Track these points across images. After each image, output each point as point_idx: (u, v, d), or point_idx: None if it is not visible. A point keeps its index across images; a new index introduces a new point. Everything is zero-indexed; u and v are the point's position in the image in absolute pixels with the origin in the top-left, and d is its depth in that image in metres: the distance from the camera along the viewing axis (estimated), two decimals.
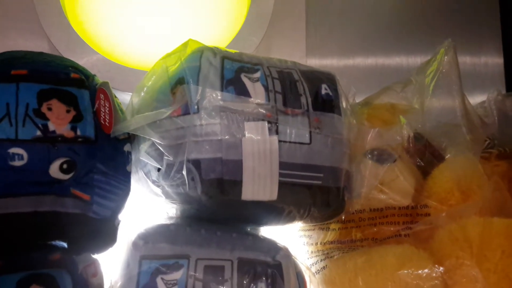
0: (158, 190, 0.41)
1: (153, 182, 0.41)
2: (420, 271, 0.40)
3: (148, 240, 0.40)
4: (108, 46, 0.61)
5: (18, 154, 0.35)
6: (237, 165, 0.39)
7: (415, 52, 0.72)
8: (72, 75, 0.38)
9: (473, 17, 0.75)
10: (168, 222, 0.43)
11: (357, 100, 0.50)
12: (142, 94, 0.42)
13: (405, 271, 0.41)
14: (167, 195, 0.41)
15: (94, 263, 0.42)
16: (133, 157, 0.42)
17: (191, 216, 0.44)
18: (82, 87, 0.38)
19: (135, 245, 0.40)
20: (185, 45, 0.42)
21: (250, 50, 0.60)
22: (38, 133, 0.35)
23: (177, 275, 0.38)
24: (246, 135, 0.39)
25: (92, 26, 0.61)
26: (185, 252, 0.40)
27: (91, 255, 0.42)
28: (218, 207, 0.41)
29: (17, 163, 0.35)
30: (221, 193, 0.39)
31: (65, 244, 0.40)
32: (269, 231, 0.46)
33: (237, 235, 0.42)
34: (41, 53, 0.40)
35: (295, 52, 0.68)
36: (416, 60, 0.72)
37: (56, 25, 0.59)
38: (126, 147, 0.41)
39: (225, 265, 0.40)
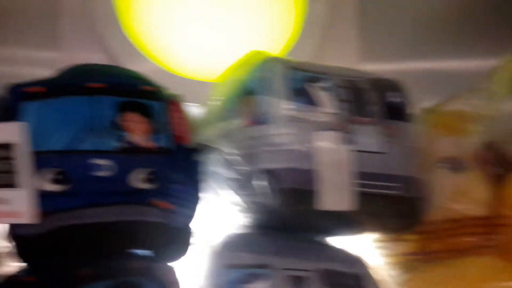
0: (231, 200, 0.41)
1: (226, 192, 0.41)
2: (505, 284, 0.39)
3: (232, 249, 0.40)
4: (165, 57, 0.62)
5: (102, 165, 0.36)
6: (312, 175, 0.38)
7: (475, 55, 0.70)
8: (146, 87, 0.40)
9: None
10: (246, 230, 0.43)
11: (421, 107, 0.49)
12: (212, 105, 0.42)
13: (490, 284, 0.40)
14: (240, 205, 0.41)
15: (171, 271, 0.42)
16: (206, 166, 0.42)
17: (264, 225, 0.44)
18: (156, 99, 0.39)
19: (218, 253, 0.40)
20: (253, 55, 0.43)
21: (305, 59, 0.60)
22: (120, 144, 0.36)
23: (261, 285, 0.38)
24: (319, 145, 0.39)
25: (149, 37, 0.63)
26: (268, 262, 0.39)
27: (168, 263, 0.42)
28: (292, 216, 0.40)
29: (102, 173, 0.36)
30: (296, 202, 0.39)
31: (146, 252, 0.41)
32: (342, 242, 0.46)
33: (317, 246, 0.42)
34: (114, 66, 0.42)
35: (348, 60, 0.67)
36: (477, 64, 0.70)
37: (114, 38, 0.61)
38: (199, 157, 0.42)
39: (310, 276, 0.39)
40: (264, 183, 0.39)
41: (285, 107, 0.39)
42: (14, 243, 0.38)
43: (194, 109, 0.45)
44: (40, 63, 0.67)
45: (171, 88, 0.58)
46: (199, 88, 0.57)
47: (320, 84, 0.41)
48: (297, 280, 0.39)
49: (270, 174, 0.39)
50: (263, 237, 0.42)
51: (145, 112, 0.38)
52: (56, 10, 0.68)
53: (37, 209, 0.34)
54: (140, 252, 0.40)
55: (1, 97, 0.37)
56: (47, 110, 0.36)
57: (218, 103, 0.42)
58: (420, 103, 0.51)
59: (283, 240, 0.42)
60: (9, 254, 0.40)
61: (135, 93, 0.38)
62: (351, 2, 0.69)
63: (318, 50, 0.62)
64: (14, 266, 0.39)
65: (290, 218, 0.41)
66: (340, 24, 0.69)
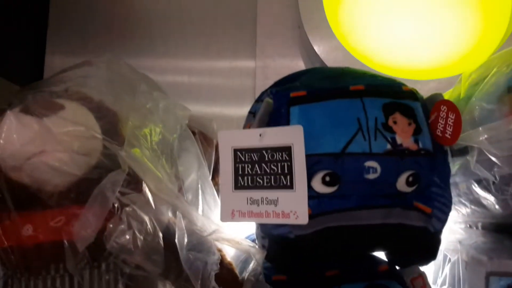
0: (487, 203, 0.40)
1: (481, 194, 0.40)
2: None
3: (492, 256, 0.38)
4: (376, 59, 0.61)
5: (372, 168, 0.35)
6: None
7: None
8: (404, 88, 0.39)
9: None
10: (497, 236, 0.41)
11: None
12: (467, 103, 0.40)
13: None
14: (495, 208, 0.39)
15: (422, 276, 0.41)
16: (462, 167, 0.41)
17: (505, 230, 0.42)
18: (416, 100, 0.38)
19: (479, 261, 0.38)
20: None
21: None
22: (388, 146, 0.36)
23: None
24: None
25: (359, 40, 0.62)
26: None
27: (418, 267, 0.42)
28: None
29: (371, 176, 0.35)
30: None
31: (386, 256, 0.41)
32: None
33: None
34: (355, 69, 0.41)
35: None
36: None
37: (325, 43, 0.61)
38: (454, 158, 0.40)
39: None
40: None
41: None
42: (268, 242, 0.39)
43: None
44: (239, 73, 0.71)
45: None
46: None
47: None
48: None
49: None
50: None
51: (409, 113, 0.37)
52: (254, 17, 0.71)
53: (308, 211, 0.35)
54: (381, 255, 0.40)
55: (265, 103, 0.38)
56: (315, 114, 0.36)
57: (472, 100, 0.40)
58: None
59: None
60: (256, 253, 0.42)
61: (397, 94, 0.37)
62: None
63: None
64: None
65: None
66: None
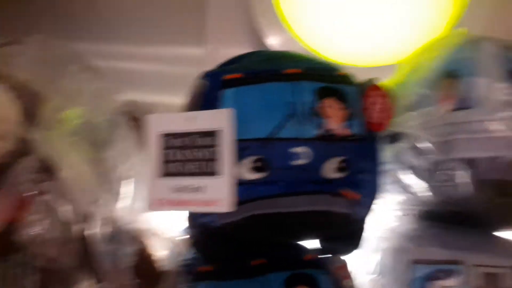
0: (420, 190, 0.39)
1: (414, 181, 0.39)
2: None
3: (419, 243, 0.38)
4: (328, 47, 0.60)
5: (301, 153, 0.34)
6: None
7: None
8: (340, 72, 0.38)
9: None
10: (428, 224, 0.41)
11: None
12: (402, 89, 0.40)
13: None
14: (428, 195, 0.39)
15: (345, 265, 0.41)
16: (394, 154, 0.40)
17: (442, 217, 0.42)
18: (351, 84, 0.37)
19: (404, 248, 0.38)
20: (452, 36, 0.39)
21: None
22: (318, 131, 0.34)
23: (453, 281, 0.36)
24: None
25: (308, 27, 0.61)
26: (458, 257, 0.37)
27: (340, 256, 0.41)
28: (490, 210, 0.38)
29: (299, 161, 0.34)
30: (498, 195, 0.36)
31: (316, 245, 0.40)
32: None
33: (503, 241, 0.39)
34: (300, 53, 0.40)
35: None
36: None
37: (273, 31, 0.60)
38: (385, 145, 0.40)
39: (503, 273, 0.36)
40: (461, 173, 0.36)
41: (495, 90, 0.35)
42: (194, 232, 0.38)
43: None
44: (187, 60, 0.68)
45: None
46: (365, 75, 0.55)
47: None
48: (491, 277, 0.36)
49: (469, 163, 0.36)
50: (451, 231, 0.40)
51: (342, 98, 0.36)
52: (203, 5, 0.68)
53: (234, 198, 0.34)
54: (308, 244, 0.39)
55: (199, 85, 0.37)
56: (248, 97, 0.35)
57: (411, 87, 0.40)
58: None
59: (473, 235, 0.39)
60: (182, 243, 0.41)
61: (331, 78, 0.36)
62: None
63: (488, 22, 0.56)
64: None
65: (483, 212, 0.38)
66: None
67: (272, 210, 0.35)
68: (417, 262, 0.37)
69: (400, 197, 0.41)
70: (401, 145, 0.39)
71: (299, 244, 0.41)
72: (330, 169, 0.35)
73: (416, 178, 0.39)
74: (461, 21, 0.55)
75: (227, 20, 0.67)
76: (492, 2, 0.56)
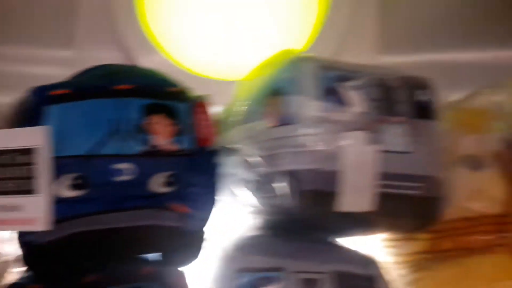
0: (250, 201, 0.41)
1: (245, 193, 0.41)
2: None
3: (244, 252, 0.40)
4: (185, 57, 0.60)
5: (124, 169, 0.35)
6: (335, 176, 0.38)
7: (488, 47, 0.69)
8: (172, 88, 0.38)
9: None
10: (258, 233, 0.43)
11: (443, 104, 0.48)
12: (236, 106, 0.41)
13: (502, 283, 0.40)
14: (259, 206, 0.41)
15: (182, 276, 0.42)
16: (227, 167, 0.41)
17: (280, 227, 0.44)
18: (181, 101, 0.38)
19: (231, 257, 0.40)
20: (280, 55, 0.41)
21: (327, 53, 0.59)
22: (143, 147, 0.35)
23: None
24: (345, 145, 0.38)
25: (169, 37, 0.61)
26: (279, 264, 0.39)
27: (178, 268, 0.42)
28: (312, 218, 0.40)
29: (123, 178, 0.35)
30: (318, 204, 0.38)
31: (155, 257, 0.41)
32: (354, 241, 0.46)
33: (331, 247, 0.42)
34: (137, 67, 0.41)
35: (368, 53, 0.66)
36: (489, 55, 0.69)
37: (133, 36, 0.59)
38: (220, 159, 0.41)
39: (321, 278, 0.39)
40: (285, 184, 0.39)
41: (313, 107, 0.38)
42: (22, 250, 0.37)
43: (217, 110, 0.44)
44: (55, 62, 0.66)
45: (196, 90, 0.58)
46: (221, 88, 0.56)
47: (351, 83, 0.40)
48: (310, 283, 0.39)
49: (292, 175, 0.38)
50: (277, 239, 0.42)
51: (171, 114, 0.37)
52: (73, 8, 0.66)
53: (51, 216, 0.33)
54: (150, 256, 0.40)
55: (24, 99, 0.35)
56: (72, 113, 0.35)
57: (244, 103, 0.41)
58: (441, 95, 0.51)
59: (297, 242, 0.41)
60: (15, 261, 0.39)
61: (161, 94, 0.37)
62: None
63: (340, 43, 0.60)
64: (19, 273, 0.39)
65: (308, 220, 0.40)
66: (360, 17, 0.67)
67: (92, 228, 0.35)
68: (242, 270, 0.39)
69: (235, 208, 0.43)
70: (232, 159, 0.41)
71: (140, 258, 0.41)
72: (157, 184, 0.36)
73: (248, 190, 0.41)
74: (315, 43, 0.59)
75: (95, 23, 0.65)
76: (343, 26, 0.60)
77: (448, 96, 0.51)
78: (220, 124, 0.42)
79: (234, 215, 0.44)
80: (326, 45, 0.59)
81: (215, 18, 0.62)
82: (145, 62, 0.58)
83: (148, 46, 0.58)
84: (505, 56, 0.62)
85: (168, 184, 0.36)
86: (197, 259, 0.41)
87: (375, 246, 0.48)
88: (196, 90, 0.56)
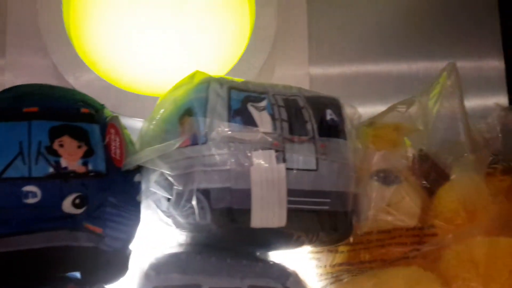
0: (168, 220, 0.42)
1: (163, 211, 0.42)
2: None
3: (160, 270, 0.41)
4: (112, 72, 0.61)
5: (31, 192, 0.36)
6: (246, 194, 0.39)
7: (415, 59, 0.72)
8: (82, 110, 0.39)
9: (473, 21, 0.75)
10: (178, 250, 0.44)
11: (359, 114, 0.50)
12: (152, 125, 0.43)
13: None
14: (177, 224, 0.42)
15: None
16: (143, 187, 0.43)
17: (201, 243, 0.45)
18: (93, 122, 0.39)
19: (147, 276, 0.40)
20: (192, 76, 0.43)
21: (256, 69, 0.61)
22: (51, 170, 0.36)
23: None
24: (254, 164, 0.39)
25: (97, 51, 0.62)
26: (196, 281, 0.40)
27: (104, 285, 0.42)
28: (228, 235, 0.41)
29: (31, 200, 0.36)
30: (231, 221, 0.40)
31: (78, 275, 0.41)
32: (279, 255, 0.47)
33: (247, 262, 0.43)
34: (51, 87, 0.41)
35: (298, 65, 0.68)
36: (417, 67, 0.72)
37: (60, 48, 0.60)
38: (136, 178, 0.42)
39: None
40: (198, 203, 0.40)
41: (222, 127, 0.39)
42: None
43: (139, 124, 0.45)
44: None
45: (115, 103, 0.58)
46: (145, 103, 0.57)
47: (260, 103, 0.42)
48: None
49: (204, 194, 0.40)
50: (196, 256, 0.43)
51: (80, 136, 0.38)
52: (3, 18, 0.67)
53: None
54: (71, 275, 0.40)
55: None
56: None
57: (159, 122, 0.43)
58: (370, 105, 0.53)
59: (216, 258, 0.42)
60: None
61: (70, 116, 0.38)
62: (300, 8, 0.70)
63: (269, 56, 0.62)
64: None
65: (225, 237, 0.42)
66: (289, 31, 0.69)
67: (7, 249, 0.36)
68: None
69: (156, 225, 0.44)
70: (148, 178, 0.42)
71: (61, 277, 0.42)
72: (68, 205, 0.37)
73: (165, 208, 0.42)
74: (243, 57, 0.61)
75: (24, 32, 0.66)
76: (269, 40, 0.62)
77: (379, 106, 0.54)
78: (136, 142, 0.43)
79: (155, 233, 0.45)
80: (255, 59, 0.60)
81: (147, 35, 0.64)
82: (73, 74, 0.59)
83: (75, 58, 0.59)
84: (434, 67, 0.64)
85: (79, 205, 0.37)
86: (125, 277, 0.43)
87: (300, 258, 0.50)
88: (125, 106, 0.58)
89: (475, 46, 0.74)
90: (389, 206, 0.46)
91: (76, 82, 0.58)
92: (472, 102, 0.71)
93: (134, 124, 0.46)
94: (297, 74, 0.68)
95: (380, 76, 0.72)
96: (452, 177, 0.46)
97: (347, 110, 0.45)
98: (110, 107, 0.45)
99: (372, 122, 0.50)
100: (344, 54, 0.72)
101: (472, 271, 0.41)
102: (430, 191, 0.47)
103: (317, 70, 0.70)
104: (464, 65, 0.73)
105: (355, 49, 0.72)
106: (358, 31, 0.73)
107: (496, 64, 0.74)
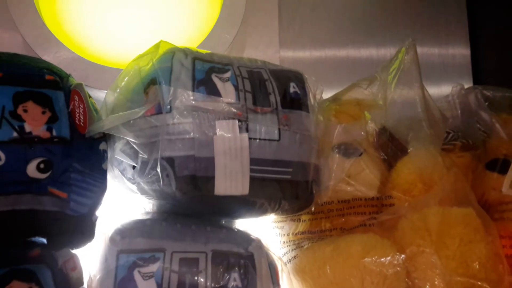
0: (134, 187, 0.43)
1: (129, 179, 0.43)
2: (383, 259, 0.43)
3: (125, 235, 0.41)
4: (81, 44, 0.62)
5: None
6: (209, 162, 0.41)
7: (384, 44, 0.74)
8: (47, 77, 0.40)
9: (441, 9, 0.78)
10: (144, 217, 0.45)
11: (326, 96, 0.52)
12: (116, 94, 0.43)
13: (369, 259, 0.43)
14: (142, 192, 0.43)
15: (73, 257, 0.43)
16: (109, 155, 0.43)
17: (167, 211, 0.46)
18: (57, 89, 0.39)
19: (112, 240, 0.41)
20: (157, 46, 0.43)
21: (224, 47, 0.62)
22: (15, 134, 0.37)
23: (153, 267, 0.40)
24: (217, 133, 0.41)
25: (66, 24, 0.62)
26: (161, 245, 0.41)
27: (70, 250, 0.43)
28: (192, 202, 0.42)
29: None
30: (195, 189, 0.41)
31: (44, 240, 0.42)
32: (244, 223, 0.48)
33: (211, 228, 0.44)
34: (16, 55, 0.41)
35: (268, 47, 0.70)
36: (385, 52, 0.74)
37: (28, 21, 0.60)
38: (102, 146, 0.43)
39: (200, 257, 0.41)
40: (163, 170, 0.41)
41: (186, 97, 0.40)
42: None
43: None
44: None
45: (84, 74, 0.59)
46: (114, 74, 0.57)
47: (224, 75, 0.43)
48: (190, 261, 0.41)
49: (169, 162, 0.41)
50: (161, 222, 0.44)
51: (45, 102, 0.38)
52: None
53: None
54: (38, 239, 0.41)
55: None
56: None
57: (123, 91, 0.43)
58: (339, 88, 0.54)
59: (182, 225, 0.44)
60: None
61: (35, 83, 0.38)
62: None
63: (238, 39, 0.63)
64: None
65: (190, 204, 0.43)
66: (260, 13, 0.70)
67: None
68: (122, 251, 0.41)
69: (123, 193, 0.45)
70: (116, 146, 0.42)
71: (27, 241, 0.42)
72: (32, 170, 0.37)
73: (131, 176, 0.42)
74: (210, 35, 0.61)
75: None
76: (238, 21, 0.63)
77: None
78: (100, 111, 0.43)
79: (123, 199, 0.46)
80: (222, 39, 0.61)
81: (117, 9, 0.64)
82: (41, 46, 0.58)
83: (43, 31, 0.59)
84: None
85: (44, 170, 0.38)
86: (91, 242, 0.43)
87: (264, 226, 0.51)
88: (93, 77, 0.58)
89: (442, 33, 0.77)
90: (349, 177, 0.48)
91: (44, 53, 0.58)
92: (438, 89, 0.74)
93: (102, 96, 0.47)
94: (267, 56, 0.69)
95: (349, 59, 0.74)
96: (410, 150, 0.48)
97: (310, 84, 0.47)
98: (79, 79, 0.45)
99: (335, 98, 0.52)
100: (313, 37, 0.74)
101: (426, 238, 0.43)
102: (389, 164, 0.49)
103: (287, 54, 0.72)
104: (432, 52, 0.76)
105: (325, 34, 0.74)
106: (328, 16, 0.75)
107: (463, 52, 0.77)
